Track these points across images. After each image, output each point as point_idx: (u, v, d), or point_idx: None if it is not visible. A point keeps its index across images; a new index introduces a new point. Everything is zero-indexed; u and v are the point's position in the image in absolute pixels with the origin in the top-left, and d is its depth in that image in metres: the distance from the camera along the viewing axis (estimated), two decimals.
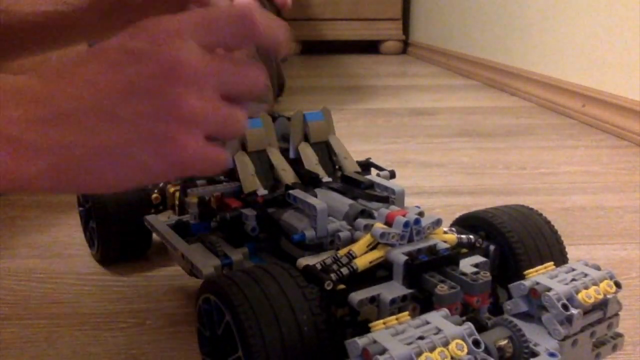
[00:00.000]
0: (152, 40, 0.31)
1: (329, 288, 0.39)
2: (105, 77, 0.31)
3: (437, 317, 0.34)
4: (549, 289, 0.36)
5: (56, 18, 0.49)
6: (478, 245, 0.47)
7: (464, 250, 0.45)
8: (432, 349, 0.31)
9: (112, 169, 0.32)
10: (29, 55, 0.56)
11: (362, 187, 0.53)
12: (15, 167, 0.30)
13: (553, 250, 0.47)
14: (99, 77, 0.31)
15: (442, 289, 0.38)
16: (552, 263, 0.40)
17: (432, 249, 0.42)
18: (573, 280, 0.38)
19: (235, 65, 0.34)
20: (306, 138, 0.59)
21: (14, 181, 0.30)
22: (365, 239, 0.42)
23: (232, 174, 0.56)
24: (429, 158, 1.10)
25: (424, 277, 0.40)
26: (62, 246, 0.71)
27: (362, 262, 0.41)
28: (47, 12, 0.49)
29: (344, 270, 0.40)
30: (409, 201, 0.53)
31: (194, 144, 0.32)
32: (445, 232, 0.46)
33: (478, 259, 0.45)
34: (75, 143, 0.31)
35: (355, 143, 1.19)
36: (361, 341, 0.31)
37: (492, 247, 0.47)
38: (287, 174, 0.54)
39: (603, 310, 0.38)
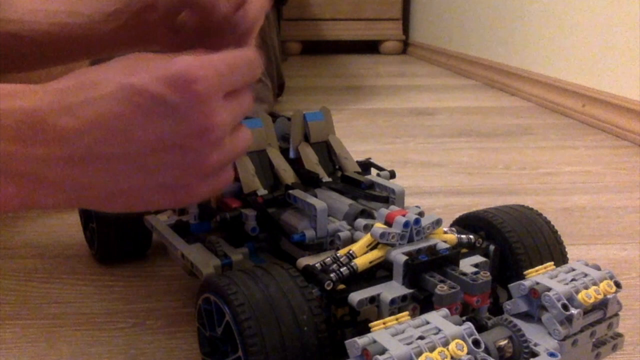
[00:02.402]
0: (189, 97, 0.32)
1: (329, 288, 0.39)
2: (140, 128, 0.32)
3: (437, 317, 0.34)
4: (549, 289, 0.36)
5: (71, 30, 0.48)
6: (478, 245, 0.47)
7: (464, 250, 0.45)
8: (432, 349, 0.31)
9: (124, 203, 0.35)
10: (40, 67, 0.55)
11: (362, 187, 0.53)
12: (33, 199, 0.32)
13: (553, 250, 0.47)
14: (133, 127, 0.32)
15: (442, 289, 0.38)
16: (552, 263, 0.40)
17: (432, 249, 0.42)
18: (573, 280, 0.38)
19: (245, 104, 0.37)
20: (306, 138, 0.59)
21: (27, 208, 0.32)
22: (365, 239, 0.42)
23: None
24: (429, 158, 1.10)
25: (424, 277, 0.40)
26: (62, 246, 0.70)
27: (362, 262, 0.41)
28: (62, 24, 0.48)
29: (344, 270, 0.40)
30: (409, 201, 0.53)
31: (206, 190, 0.35)
32: (445, 232, 0.46)
33: (478, 259, 0.45)
34: (97, 184, 0.33)
35: (355, 143, 1.19)
36: (361, 341, 0.31)
37: (492, 247, 0.47)
38: (287, 174, 0.54)
39: (603, 310, 0.38)
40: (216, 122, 0.33)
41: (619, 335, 0.41)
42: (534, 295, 0.37)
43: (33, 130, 0.30)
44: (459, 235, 0.46)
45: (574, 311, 0.36)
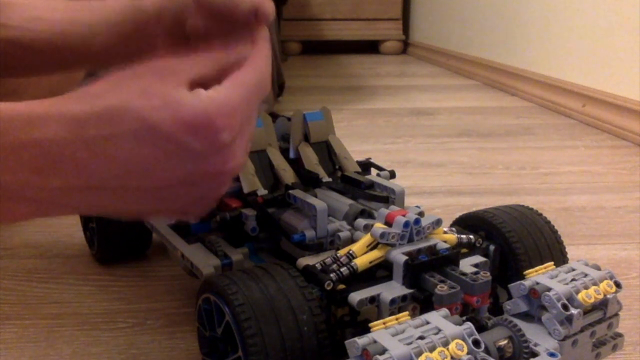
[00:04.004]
0: (213, 146, 0.32)
1: (329, 288, 0.39)
2: (159, 168, 0.32)
3: (437, 317, 0.34)
4: (549, 289, 0.36)
5: (71, 39, 0.48)
6: (478, 245, 0.47)
7: (464, 250, 0.45)
8: (432, 349, 0.31)
9: (132, 216, 0.36)
10: (38, 75, 0.55)
11: (362, 187, 0.53)
12: (43, 214, 0.33)
13: (553, 250, 0.47)
14: (152, 166, 0.32)
15: (442, 289, 0.38)
16: (552, 263, 0.40)
17: (432, 249, 0.42)
18: (573, 280, 0.38)
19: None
20: (306, 138, 0.59)
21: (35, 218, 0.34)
22: (365, 239, 0.42)
23: None
24: (429, 158, 1.10)
25: (424, 277, 0.40)
26: (62, 246, 0.70)
27: (362, 262, 0.41)
28: (63, 32, 0.48)
29: (344, 270, 0.40)
30: (409, 201, 0.53)
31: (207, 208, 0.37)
32: (445, 232, 0.46)
33: (478, 259, 0.45)
34: (109, 206, 0.34)
35: (355, 143, 1.19)
36: (361, 341, 0.31)
37: (492, 247, 0.47)
38: (287, 174, 0.54)
39: (603, 310, 0.38)
40: (233, 166, 0.34)
41: (619, 335, 0.41)
42: (534, 295, 0.37)
43: (50, 163, 0.30)
44: (459, 235, 0.46)
45: (574, 311, 0.36)
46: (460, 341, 0.32)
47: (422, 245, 0.42)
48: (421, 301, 0.39)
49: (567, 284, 0.37)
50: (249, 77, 0.35)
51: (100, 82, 0.33)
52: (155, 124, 0.31)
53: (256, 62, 0.37)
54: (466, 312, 0.40)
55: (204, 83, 0.34)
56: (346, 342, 0.32)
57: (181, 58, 0.35)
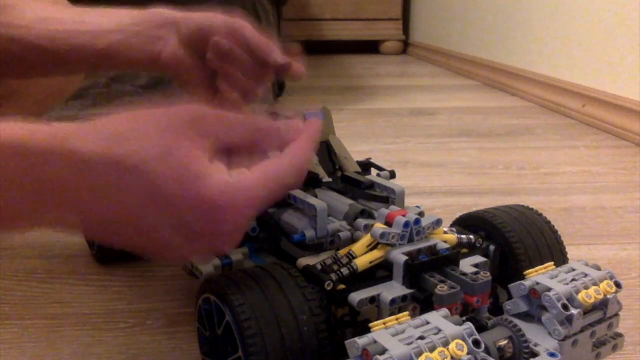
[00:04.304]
0: (216, 225, 0.31)
1: (329, 288, 0.39)
2: (159, 224, 0.31)
3: (437, 317, 0.34)
4: (549, 289, 0.36)
5: (77, 38, 0.48)
6: (478, 245, 0.47)
7: (464, 250, 0.45)
8: (432, 349, 0.31)
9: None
10: (43, 76, 0.55)
11: (362, 187, 0.53)
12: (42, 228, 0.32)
13: (553, 250, 0.47)
14: (153, 220, 0.31)
15: (442, 289, 0.38)
16: (552, 263, 0.40)
17: (432, 249, 0.42)
18: (573, 280, 0.38)
19: None
20: None
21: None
22: (365, 239, 0.42)
23: None
24: (429, 158, 1.10)
25: (424, 277, 0.40)
26: (62, 246, 0.70)
27: (362, 262, 0.41)
28: (69, 31, 0.48)
29: (344, 270, 0.40)
30: (409, 201, 0.53)
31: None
32: (445, 232, 0.46)
33: (478, 259, 0.45)
34: (104, 238, 0.34)
35: (355, 143, 1.19)
36: (361, 341, 0.31)
37: (492, 247, 0.47)
38: None
39: (603, 310, 0.38)
40: (228, 248, 0.34)
41: (619, 335, 0.41)
42: (534, 295, 0.37)
43: (50, 198, 0.30)
44: (459, 235, 0.46)
45: (574, 311, 0.36)
46: (460, 341, 0.32)
47: (422, 245, 0.42)
48: (421, 301, 0.39)
49: (567, 284, 0.37)
50: (281, 170, 0.34)
51: (124, 120, 0.31)
52: (166, 194, 0.30)
53: (294, 155, 0.35)
54: (466, 312, 0.40)
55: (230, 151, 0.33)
56: (346, 342, 0.32)
57: (218, 115, 0.33)
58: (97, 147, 0.29)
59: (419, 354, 0.30)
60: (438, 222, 0.43)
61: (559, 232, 0.48)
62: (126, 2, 0.52)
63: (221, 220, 0.31)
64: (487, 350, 0.33)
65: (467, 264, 0.43)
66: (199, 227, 0.31)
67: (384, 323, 0.33)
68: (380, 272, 0.42)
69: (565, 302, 0.36)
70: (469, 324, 0.33)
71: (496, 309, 0.42)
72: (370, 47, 2.99)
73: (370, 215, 0.47)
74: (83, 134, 0.30)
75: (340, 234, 0.46)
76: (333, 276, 0.39)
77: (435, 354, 0.31)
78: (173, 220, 0.31)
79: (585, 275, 0.38)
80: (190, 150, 0.30)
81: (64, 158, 0.29)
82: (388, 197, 0.51)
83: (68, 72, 0.55)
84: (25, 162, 0.28)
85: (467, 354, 0.31)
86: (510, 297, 0.39)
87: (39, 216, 0.30)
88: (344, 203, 0.49)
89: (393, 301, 0.39)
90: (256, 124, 0.34)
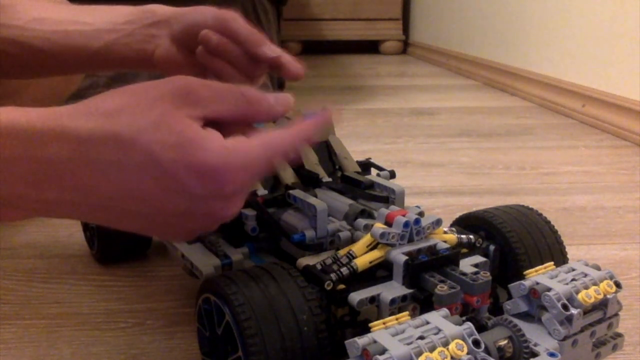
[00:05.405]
0: (215, 195, 0.32)
1: (329, 288, 0.39)
2: (160, 201, 0.31)
3: (437, 317, 0.34)
4: (549, 289, 0.36)
5: (74, 38, 0.48)
6: (478, 245, 0.47)
7: (464, 250, 0.45)
8: (432, 349, 0.31)
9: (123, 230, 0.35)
10: (38, 76, 0.55)
11: (362, 187, 0.53)
12: (41, 216, 0.33)
13: (553, 250, 0.47)
14: (153, 198, 0.31)
15: (442, 289, 0.38)
16: (552, 263, 0.40)
17: (432, 249, 0.42)
18: (573, 280, 0.38)
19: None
20: None
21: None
22: (365, 239, 0.42)
23: None
24: (429, 158, 1.10)
25: (424, 277, 0.40)
26: (62, 246, 0.70)
27: (362, 262, 0.41)
28: (65, 31, 0.48)
29: (344, 270, 0.40)
30: (409, 201, 0.53)
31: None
32: (445, 232, 0.46)
33: (478, 259, 0.45)
34: (104, 220, 0.33)
35: (355, 143, 1.19)
36: (361, 341, 0.31)
37: (492, 247, 0.47)
38: (287, 174, 0.54)
39: (603, 310, 0.38)
40: (230, 213, 0.34)
41: (619, 335, 0.41)
42: (534, 295, 0.37)
43: (47, 178, 0.30)
44: (459, 235, 0.46)
45: (574, 311, 0.36)
46: (460, 341, 0.32)
47: (422, 245, 0.42)
48: (421, 301, 0.39)
49: (567, 284, 0.37)
50: (280, 143, 0.34)
51: (115, 96, 0.32)
52: (162, 161, 0.30)
53: (296, 134, 0.36)
54: (466, 312, 0.40)
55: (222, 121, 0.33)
56: (346, 342, 0.32)
57: (205, 84, 0.33)
58: (91, 124, 0.30)
59: (419, 354, 0.30)
60: (438, 222, 0.43)
61: (559, 232, 0.48)
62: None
63: (221, 181, 0.31)
64: (487, 350, 0.33)
65: (467, 264, 0.43)
66: (199, 190, 0.31)
67: (384, 323, 0.33)
68: (380, 272, 0.42)
69: (565, 302, 0.36)
70: (469, 324, 0.33)
71: (496, 309, 0.42)
72: (370, 47, 2.99)
73: (370, 215, 0.47)
74: (77, 113, 0.30)
75: (340, 234, 0.46)
76: (333, 276, 0.39)
77: (435, 354, 0.31)
78: (173, 189, 0.31)
79: (585, 275, 0.38)
80: (182, 118, 0.31)
81: (59, 137, 0.29)
82: (388, 197, 0.51)
83: (64, 72, 0.55)
84: (21, 143, 0.29)
85: (467, 354, 0.31)
86: (510, 297, 0.39)
87: (38, 199, 0.30)
88: (344, 203, 0.49)
89: (393, 301, 0.39)
90: (246, 94, 0.34)
